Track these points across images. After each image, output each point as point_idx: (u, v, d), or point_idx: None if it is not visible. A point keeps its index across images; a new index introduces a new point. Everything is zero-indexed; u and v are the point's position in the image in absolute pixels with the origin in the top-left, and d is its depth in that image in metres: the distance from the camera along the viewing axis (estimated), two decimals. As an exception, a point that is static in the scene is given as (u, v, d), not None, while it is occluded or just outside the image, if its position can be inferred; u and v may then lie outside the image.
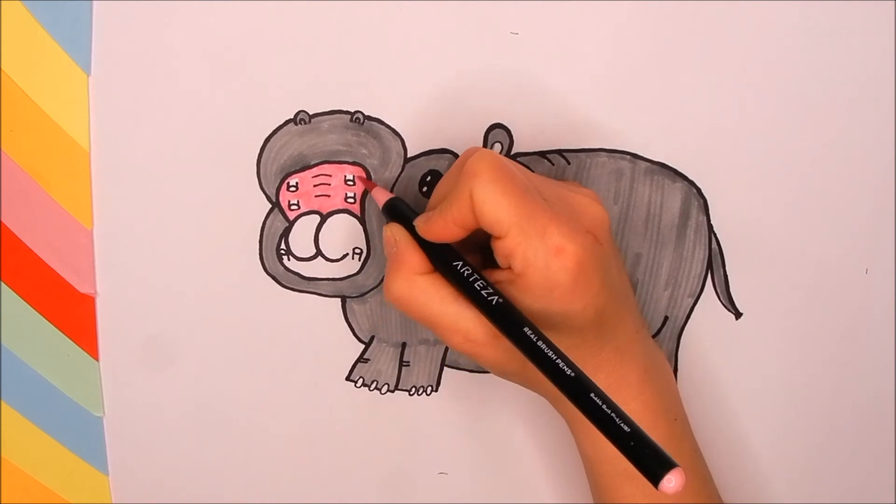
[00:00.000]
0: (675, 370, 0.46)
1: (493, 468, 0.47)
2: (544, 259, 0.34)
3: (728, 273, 0.45)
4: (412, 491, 0.47)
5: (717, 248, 0.44)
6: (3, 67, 0.37)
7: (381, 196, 0.40)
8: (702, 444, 0.42)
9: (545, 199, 0.35)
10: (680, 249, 0.44)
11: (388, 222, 0.39)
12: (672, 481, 0.29)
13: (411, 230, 0.37)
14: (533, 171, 0.40)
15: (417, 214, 0.38)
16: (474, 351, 0.36)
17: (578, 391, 0.32)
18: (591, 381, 0.33)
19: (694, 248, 0.44)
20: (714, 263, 0.44)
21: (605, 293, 0.36)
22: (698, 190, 0.43)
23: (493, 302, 0.35)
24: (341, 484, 0.46)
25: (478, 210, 0.34)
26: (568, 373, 0.33)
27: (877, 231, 0.45)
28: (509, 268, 0.35)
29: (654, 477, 0.29)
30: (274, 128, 0.40)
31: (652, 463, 0.30)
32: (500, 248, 0.35)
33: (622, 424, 0.31)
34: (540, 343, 0.33)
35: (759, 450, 0.48)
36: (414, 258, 0.37)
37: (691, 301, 0.45)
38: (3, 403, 0.42)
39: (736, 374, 0.46)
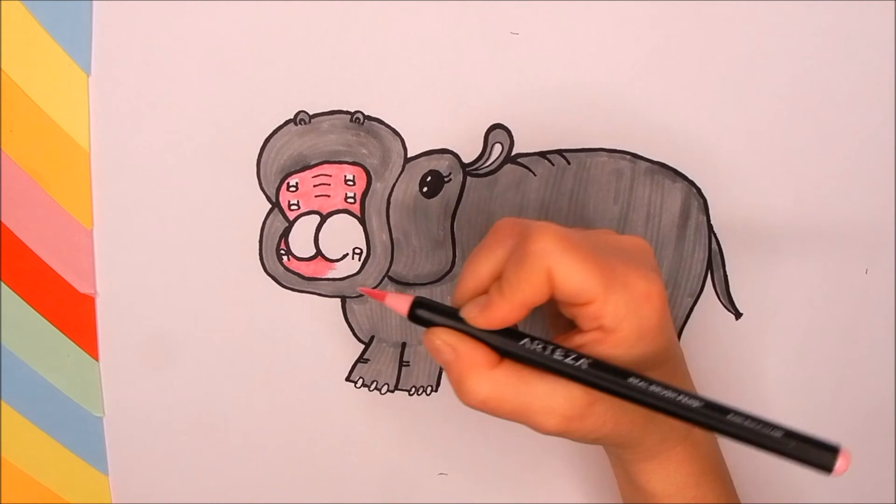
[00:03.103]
0: (675, 370, 0.46)
1: (493, 468, 0.47)
2: (635, 309, 0.34)
3: (728, 273, 0.45)
4: (412, 491, 0.47)
5: (717, 248, 0.44)
6: (3, 67, 0.37)
7: (401, 303, 0.35)
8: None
9: (608, 251, 0.35)
10: (680, 249, 0.44)
11: (424, 327, 0.35)
12: (843, 463, 0.29)
13: (453, 325, 0.35)
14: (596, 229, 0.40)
15: (448, 308, 0.35)
16: (569, 427, 0.35)
17: (715, 418, 0.31)
18: (722, 403, 0.32)
19: (694, 247, 0.44)
20: (714, 263, 0.44)
21: (671, 321, 0.37)
22: (698, 190, 0.43)
23: (584, 365, 0.33)
24: (341, 484, 0.46)
25: (561, 285, 0.33)
26: (695, 405, 0.32)
27: (877, 231, 0.45)
28: (597, 328, 0.34)
29: (828, 466, 0.30)
30: (274, 128, 0.40)
31: (818, 455, 0.30)
32: (588, 313, 0.34)
33: (772, 432, 0.30)
34: (653, 388, 0.33)
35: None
36: (482, 355, 0.34)
37: (691, 301, 0.45)
38: (3, 403, 0.42)
39: (736, 374, 0.46)
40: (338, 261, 0.42)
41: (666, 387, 0.32)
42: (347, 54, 0.39)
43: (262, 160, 0.40)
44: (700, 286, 0.45)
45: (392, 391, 0.45)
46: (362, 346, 0.44)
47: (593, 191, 0.43)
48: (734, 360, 0.46)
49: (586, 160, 0.42)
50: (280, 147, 0.40)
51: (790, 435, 0.30)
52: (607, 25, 0.40)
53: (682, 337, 0.45)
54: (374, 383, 0.44)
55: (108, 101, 0.38)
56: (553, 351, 0.34)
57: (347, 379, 0.44)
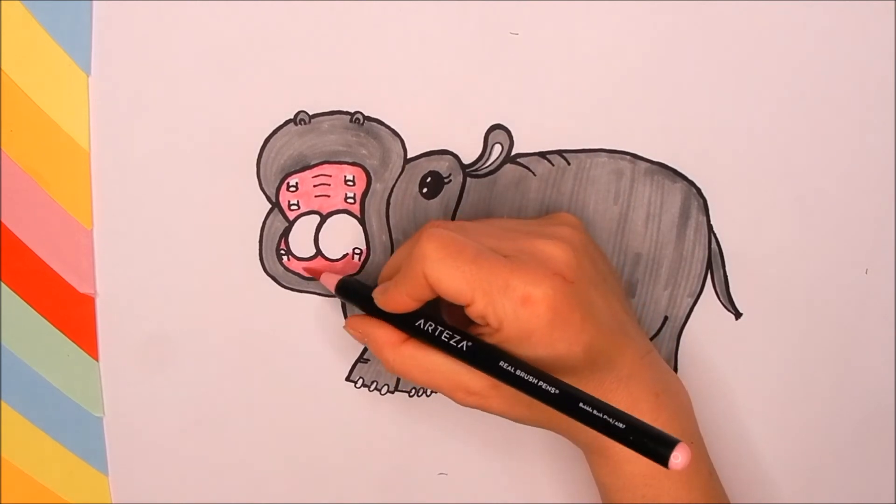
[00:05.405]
0: (675, 370, 0.46)
1: (493, 468, 0.47)
2: (513, 312, 0.35)
3: (728, 273, 0.45)
4: (412, 491, 0.47)
5: (716, 248, 0.44)
6: (3, 67, 0.37)
7: (330, 280, 0.41)
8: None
9: (505, 254, 0.36)
10: (680, 249, 0.44)
11: (349, 303, 0.41)
12: (679, 458, 0.30)
13: (369, 304, 0.39)
14: (501, 218, 0.42)
15: (371, 288, 0.39)
16: (480, 403, 0.37)
17: (567, 404, 0.33)
18: (576, 390, 0.34)
19: (694, 247, 0.44)
20: (714, 263, 0.44)
21: (590, 328, 0.36)
22: (698, 190, 0.43)
23: (464, 347, 0.36)
24: (341, 484, 0.46)
25: (436, 288, 0.36)
26: (552, 391, 0.34)
27: (877, 231, 0.45)
28: (486, 325, 0.36)
29: (662, 459, 0.31)
30: (274, 128, 0.40)
31: (656, 447, 0.31)
32: (472, 313, 0.36)
33: (617, 423, 0.32)
34: (518, 371, 0.34)
35: (758, 450, 0.48)
36: (387, 334, 0.38)
37: (691, 301, 0.45)
38: (3, 403, 0.42)
39: (736, 374, 0.46)
40: (338, 260, 0.42)
41: (530, 372, 0.34)
42: (347, 54, 0.39)
43: (262, 160, 0.40)
44: (700, 286, 0.45)
45: (392, 392, 0.45)
46: (362, 346, 0.44)
47: (593, 191, 0.43)
48: (734, 360, 0.46)
49: (586, 160, 0.42)
50: (280, 147, 0.40)
51: (632, 428, 0.32)
52: (607, 25, 0.40)
53: (682, 337, 0.45)
54: (375, 383, 0.44)
55: (108, 101, 0.38)
56: (441, 333, 0.36)
57: (347, 379, 0.44)
